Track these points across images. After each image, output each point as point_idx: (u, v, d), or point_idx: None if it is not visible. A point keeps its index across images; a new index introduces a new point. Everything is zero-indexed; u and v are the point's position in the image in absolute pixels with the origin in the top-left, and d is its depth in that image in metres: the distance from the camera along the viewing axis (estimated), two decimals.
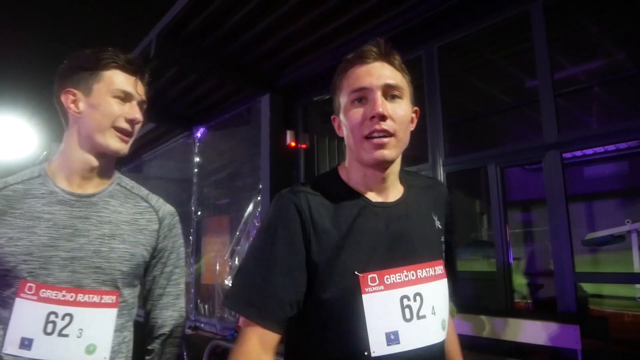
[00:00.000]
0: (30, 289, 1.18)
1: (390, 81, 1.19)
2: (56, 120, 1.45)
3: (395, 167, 1.27)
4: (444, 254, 1.27)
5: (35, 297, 1.18)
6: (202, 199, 8.67)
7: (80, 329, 1.20)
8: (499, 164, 4.39)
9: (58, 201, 1.27)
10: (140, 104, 1.40)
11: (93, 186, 1.35)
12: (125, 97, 1.34)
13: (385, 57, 1.22)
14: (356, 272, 1.11)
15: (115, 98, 1.31)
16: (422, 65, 5.23)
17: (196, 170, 8.66)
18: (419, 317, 1.09)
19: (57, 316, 1.16)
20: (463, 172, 4.89)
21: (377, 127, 1.14)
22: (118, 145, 1.35)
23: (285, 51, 6.09)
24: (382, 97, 1.17)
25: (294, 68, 6.51)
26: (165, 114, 8.41)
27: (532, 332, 3.67)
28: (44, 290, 1.19)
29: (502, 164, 4.40)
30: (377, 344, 1.05)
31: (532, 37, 4.31)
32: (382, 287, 1.08)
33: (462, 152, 5.24)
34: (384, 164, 1.18)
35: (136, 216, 1.44)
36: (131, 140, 1.43)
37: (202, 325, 7.79)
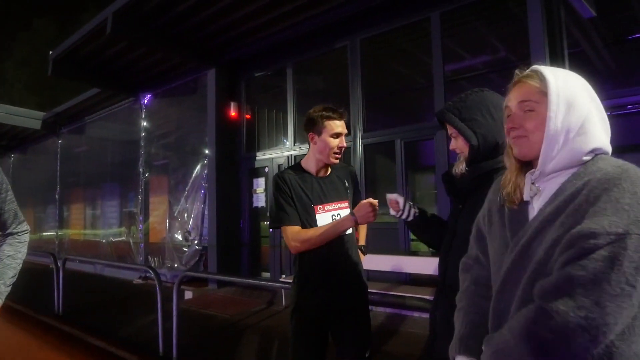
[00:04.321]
0: None
1: (344, 130, 2.29)
2: None
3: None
4: (350, 199, 2.37)
5: None
6: (149, 162, 9.31)
7: None
8: (403, 139, 5.59)
9: None
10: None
11: None
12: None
13: (344, 117, 2.28)
14: (312, 205, 2.19)
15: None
16: (347, 53, 6.25)
17: (143, 134, 9.26)
18: None
19: None
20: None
21: (338, 150, 2.23)
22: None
23: (231, 32, 6.84)
24: (344, 138, 2.29)
25: (238, 46, 7.29)
26: (111, 80, 8.89)
27: (422, 265, 4.98)
28: None
29: (405, 139, 5.60)
30: None
31: (431, 37, 5.44)
32: (323, 211, 2.19)
33: (380, 125, 6.36)
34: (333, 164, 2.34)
35: None
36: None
37: (151, 274, 8.62)
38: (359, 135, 6.08)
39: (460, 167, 1.66)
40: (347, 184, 2.37)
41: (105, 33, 6.54)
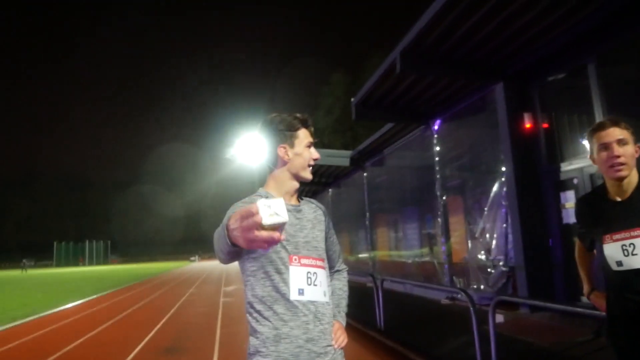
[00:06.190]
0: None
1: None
2: None
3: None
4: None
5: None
6: (444, 184, 9.61)
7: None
8: None
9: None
10: (316, 146, 1.88)
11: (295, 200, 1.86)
12: (310, 145, 1.83)
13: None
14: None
15: (306, 147, 1.81)
16: None
17: (437, 158, 9.64)
18: None
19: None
20: None
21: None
22: (310, 176, 1.85)
23: (513, 43, 6.53)
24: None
25: (523, 55, 6.86)
26: (403, 113, 9.63)
27: None
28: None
29: None
30: None
31: None
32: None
33: None
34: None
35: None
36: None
37: (458, 295, 8.73)
38: None
39: None
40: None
41: (394, 73, 7.19)
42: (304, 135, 1.82)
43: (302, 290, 1.68)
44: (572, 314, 5.90)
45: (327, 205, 18.27)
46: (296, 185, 1.82)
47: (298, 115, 1.84)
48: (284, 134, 1.79)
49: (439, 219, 9.66)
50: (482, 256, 8.28)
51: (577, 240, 2.39)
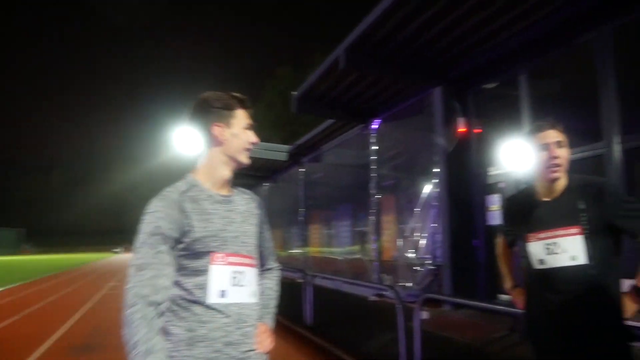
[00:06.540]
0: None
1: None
2: None
3: None
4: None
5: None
6: (379, 183, 9.76)
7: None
8: None
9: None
10: (255, 129, 1.74)
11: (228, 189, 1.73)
12: (249, 127, 1.70)
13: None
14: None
15: (244, 128, 1.68)
16: (595, 48, 5.43)
17: (374, 157, 9.77)
18: None
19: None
20: None
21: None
22: (248, 160, 1.71)
23: (455, 48, 6.74)
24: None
25: (463, 61, 7.11)
26: (343, 111, 9.66)
27: None
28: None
29: None
30: None
31: None
32: None
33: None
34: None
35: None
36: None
37: (387, 292, 8.90)
38: (616, 139, 5.17)
39: None
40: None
41: (338, 69, 7.17)
42: (242, 116, 1.69)
43: (225, 292, 1.55)
44: (491, 311, 6.18)
45: (262, 200, 18.03)
46: (229, 172, 1.68)
47: (236, 94, 1.71)
48: (221, 112, 1.65)
49: (372, 217, 9.80)
50: (410, 254, 8.50)
51: (499, 237, 2.43)
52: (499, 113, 7.46)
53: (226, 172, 1.68)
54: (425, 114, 8.19)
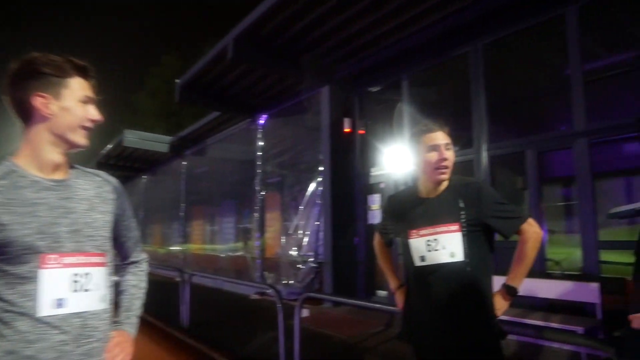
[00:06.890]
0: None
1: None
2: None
3: None
4: None
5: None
6: (265, 180, 9.63)
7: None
8: (536, 149, 5.05)
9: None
10: (96, 104, 1.45)
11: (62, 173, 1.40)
12: (88, 101, 1.38)
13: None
14: None
15: (81, 102, 1.36)
16: (469, 61, 5.88)
17: (260, 153, 9.61)
18: None
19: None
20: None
21: None
22: (85, 141, 1.40)
23: (344, 48, 6.85)
24: None
25: (351, 62, 7.27)
26: (230, 104, 9.38)
27: (560, 289, 4.40)
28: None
29: (539, 149, 5.06)
30: None
31: (567, 35, 4.89)
32: None
33: (506, 136, 5.86)
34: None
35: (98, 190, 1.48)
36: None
37: (268, 291, 8.82)
38: (484, 147, 5.64)
39: None
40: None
41: (226, 59, 6.90)
42: (79, 86, 1.35)
43: (62, 300, 1.26)
44: (368, 308, 6.40)
45: (141, 194, 16.89)
46: (59, 155, 1.34)
47: (74, 59, 1.37)
48: (48, 79, 1.30)
49: (256, 214, 9.64)
50: (293, 252, 8.51)
51: (377, 234, 2.40)
52: (382, 116, 7.78)
53: (55, 156, 1.34)
54: (312, 113, 8.25)
